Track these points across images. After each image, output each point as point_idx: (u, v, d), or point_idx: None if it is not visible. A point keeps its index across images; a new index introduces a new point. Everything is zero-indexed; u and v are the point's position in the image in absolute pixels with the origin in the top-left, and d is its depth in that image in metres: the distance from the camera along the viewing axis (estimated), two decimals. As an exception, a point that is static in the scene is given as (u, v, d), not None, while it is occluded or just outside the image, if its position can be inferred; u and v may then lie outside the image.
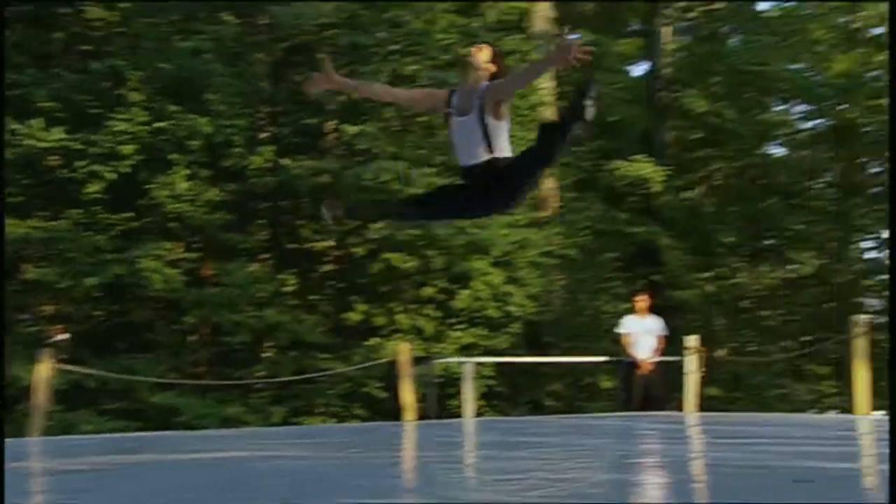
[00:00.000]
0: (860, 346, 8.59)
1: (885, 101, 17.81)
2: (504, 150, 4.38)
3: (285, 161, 13.59)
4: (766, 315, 19.55)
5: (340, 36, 13.97)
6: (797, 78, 19.27)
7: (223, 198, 13.37)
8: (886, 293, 18.87)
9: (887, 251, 19.24)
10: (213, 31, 13.83)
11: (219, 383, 12.60)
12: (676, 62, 19.92)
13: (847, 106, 19.11)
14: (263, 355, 13.71)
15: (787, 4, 21.26)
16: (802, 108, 20.48)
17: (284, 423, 12.46)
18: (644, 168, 16.83)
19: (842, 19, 20.83)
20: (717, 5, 20.55)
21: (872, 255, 19.60)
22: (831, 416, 11.97)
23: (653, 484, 3.22)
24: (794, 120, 20.62)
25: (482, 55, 4.51)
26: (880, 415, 8.91)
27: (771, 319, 19.35)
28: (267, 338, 13.61)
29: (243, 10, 14.39)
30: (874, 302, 19.03)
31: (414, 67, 14.17)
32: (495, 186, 4.41)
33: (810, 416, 11.68)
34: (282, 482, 3.13)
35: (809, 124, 20.50)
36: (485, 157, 4.37)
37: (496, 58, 4.52)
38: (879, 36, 20.29)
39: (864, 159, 20.13)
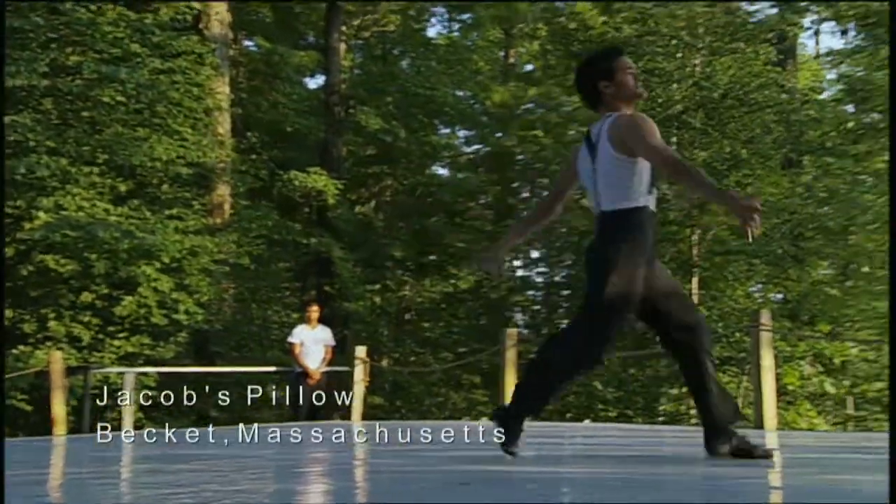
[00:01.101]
0: (510, 357, 9.34)
1: (539, 132, 19.58)
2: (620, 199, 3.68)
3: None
4: (427, 327, 20.61)
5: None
6: (461, 104, 20.60)
7: None
8: (534, 307, 20.70)
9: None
10: None
11: None
12: (352, 79, 20.47)
13: (502, 135, 20.71)
14: None
15: (453, 34, 22.71)
16: (465, 133, 21.99)
17: None
18: (319, 180, 17.08)
19: (501, 53, 22.62)
20: (390, 27, 21.43)
21: (522, 273, 21.44)
22: (483, 422, 12.84)
23: (320, 492, 3.27)
24: (457, 144, 22.04)
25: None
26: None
27: (432, 331, 20.42)
28: None
29: None
30: (522, 316, 20.79)
31: (77, 59, 13.27)
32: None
33: (465, 423, 12.47)
34: None
35: (471, 149, 22.03)
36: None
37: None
38: (532, 72, 22.30)
39: (516, 184, 21.97)
